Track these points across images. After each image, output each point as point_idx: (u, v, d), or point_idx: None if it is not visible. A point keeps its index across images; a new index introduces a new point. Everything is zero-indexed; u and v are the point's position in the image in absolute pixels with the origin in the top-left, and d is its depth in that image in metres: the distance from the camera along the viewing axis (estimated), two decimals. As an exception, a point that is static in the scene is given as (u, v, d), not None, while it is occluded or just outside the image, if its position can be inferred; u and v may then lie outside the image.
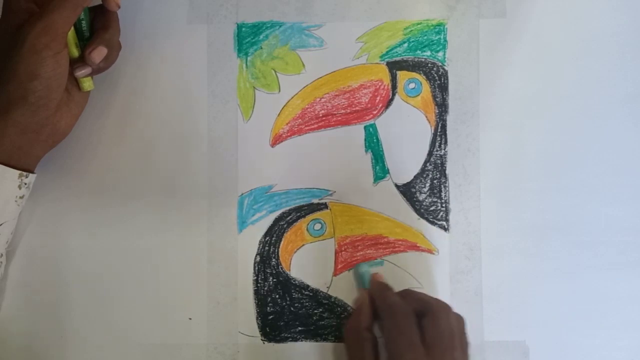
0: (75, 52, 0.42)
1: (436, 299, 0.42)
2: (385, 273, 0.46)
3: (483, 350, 0.46)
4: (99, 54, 0.42)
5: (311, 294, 0.46)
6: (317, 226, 0.47)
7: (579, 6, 0.47)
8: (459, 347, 0.39)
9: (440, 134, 0.47)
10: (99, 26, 0.42)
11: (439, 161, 0.47)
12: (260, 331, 0.46)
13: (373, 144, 0.47)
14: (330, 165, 0.47)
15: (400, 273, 0.46)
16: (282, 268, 0.46)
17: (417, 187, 0.47)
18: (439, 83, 0.47)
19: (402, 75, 0.47)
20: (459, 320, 0.41)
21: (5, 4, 0.41)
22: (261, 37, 0.47)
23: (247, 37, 0.47)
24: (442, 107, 0.47)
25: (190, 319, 0.46)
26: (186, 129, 0.47)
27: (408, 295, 0.42)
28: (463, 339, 0.41)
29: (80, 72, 0.42)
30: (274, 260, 0.46)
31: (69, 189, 0.46)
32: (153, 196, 0.46)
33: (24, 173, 0.42)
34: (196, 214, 0.46)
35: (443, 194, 0.47)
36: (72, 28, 0.41)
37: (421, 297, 0.42)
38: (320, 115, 0.47)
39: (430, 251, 0.47)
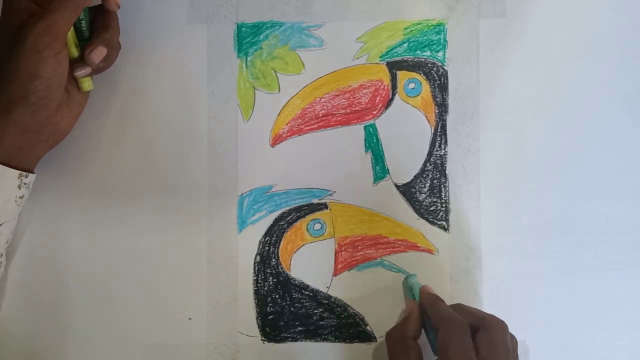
0: (74, 52, 0.42)
1: (492, 315, 0.42)
2: (385, 274, 0.46)
3: (483, 350, 0.46)
4: (98, 54, 0.42)
5: (311, 294, 0.46)
6: (317, 226, 0.47)
7: (579, 6, 0.47)
8: None
9: (440, 134, 0.47)
10: (98, 26, 0.42)
11: (438, 161, 0.47)
12: (260, 331, 0.46)
13: (373, 144, 0.47)
14: (330, 165, 0.47)
15: (400, 273, 0.46)
16: (282, 268, 0.46)
17: (417, 187, 0.47)
18: (439, 83, 0.47)
19: (402, 75, 0.47)
20: (513, 340, 0.41)
21: (5, 4, 0.41)
22: (261, 37, 0.47)
23: (247, 37, 0.47)
24: (442, 107, 0.47)
25: (190, 319, 0.46)
26: (186, 129, 0.47)
27: (461, 309, 0.43)
28: (516, 359, 0.41)
29: (79, 72, 0.42)
30: (274, 260, 0.46)
31: (69, 189, 0.46)
32: (153, 196, 0.46)
33: (24, 173, 0.42)
34: (196, 214, 0.46)
35: (443, 194, 0.47)
36: (72, 28, 0.41)
37: (476, 312, 0.42)
38: (320, 115, 0.47)
39: (430, 251, 0.47)
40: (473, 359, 0.38)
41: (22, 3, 0.40)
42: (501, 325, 0.41)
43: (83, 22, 0.42)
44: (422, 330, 0.43)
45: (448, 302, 0.46)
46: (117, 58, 0.44)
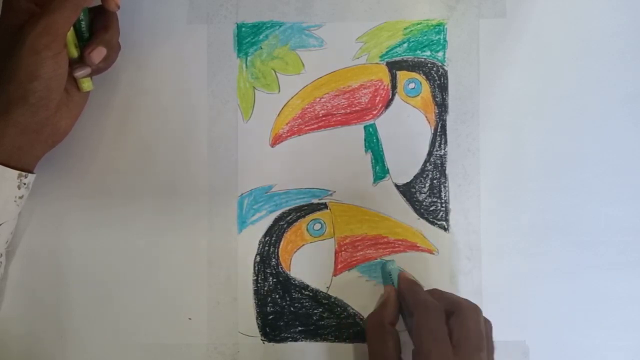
0: (74, 53, 0.42)
1: (466, 300, 0.42)
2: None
3: (483, 350, 0.46)
4: (98, 54, 0.42)
5: (311, 294, 0.46)
6: (317, 226, 0.47)
7: (579, 6, 0.47)
8: (486, 349, 0.39)
9: (440, 134, 0.47)
10: (98, 27, 0.42)
11: (438, 161, 0.47)
12: (260, 331, 0.46)
13: (373, 144, 0.47)
14: (330, 165, 0.47)
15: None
16: (282, 268, 0.46)
17: (417, 187, 0.47)
18: (439, 83, 0.47)
19: (402, 75, 0.47)
20: (487, 323, 0.42)
21: (5, 4, 0.41)
22: (261, 37, 0.47)
23: (247, 37, 0.47)
24: (442, 107, 0.47)
25: (190, 319, 0.46)
26: (186, 129, 0.47)
27: (437, 294, 0.43)
28: (490, 342, 0.41)
29: (79, 73, 0.42)
30: (273, 260, 0.46)
31: (69, 189, 0.46)
32: (153, 196, 0.46)
33: (23, 173, 0.42)
34: (196, 214, 0.46)
35: (443, 194, 0.47)
36: (72, 29, 0.41)
37: (451, 297, 0.42)
38: (320, 115, 0.47)
39: (430, 251, 0.47)
40: (446, 343, 0.38)
41: (22, 3, 0.40)
42: (475, 310, 0.41)
43: (83, 22, 0.42)
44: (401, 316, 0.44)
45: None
46: (117, 58, 0.44)
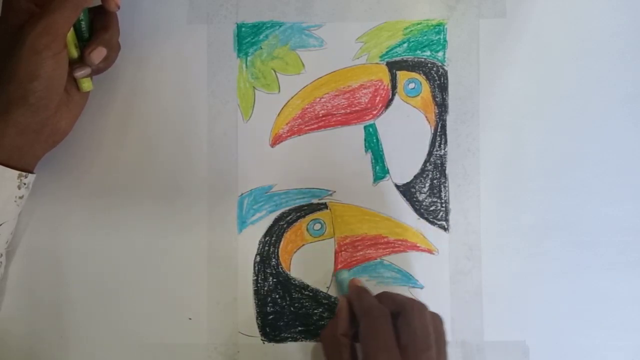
0: (74, 53, 0.42)
1: (411, 299, 0.42)
2: (385, 274, 0.46)
3: (483, 350, 0.46)
4: (98, 54, 0.42)
5: (311, 294, 0.46)
6: (317, 226, 0.47)
7: (579, 6, 0.47)
8: (434, 345, 0.39)
9: (440, 134, 0.47)
10: (98, 27, 0.42)
11: (438, 161, 0.47)
12: (260, 331, 0.46)
13: (373, 144, 0.47)
14: (330, 165, 0.47)
15: (399, 273, 0.46)
16: (282, 268, 0.46)
17: (417, 187, 0.47)
18: (439, 83, 0.47)
19: (402, 75, 0.47)
20: (435, 318, 0.41)
21: (5, 4, 0.41)
22: (261, 37, 0.47)
23: (247, 37, 0.47)
24: (442, 107, 0.47)
25: (190, 319, 0.46)
26: (186, 129, 0.47)
27: (385, 297, 0.42)
28: (440, 338, 0.40)
29: (79, 73, 0.42)
30: (273, 260, 0.46)
31: (69, 189, 0.46)
32: (153, 196, 0.46)
33: (24, 173, 0.42)
34: (196, 214, 0.46)
35: (443, 194, 0.47)
36: (72, 29, 0.41)
37: (397, 298, 0.42)
38: (320, 115, 0.47)
39: (430, 251, 0.47)
40: (392, 348, 0.38)
41: (22, 3, 0.40)
42: (419, 309, 0.40)
43: (83, 22, 0.42)
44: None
45: (447, 302, 0.46)
46: (117, 58, 0.44)
